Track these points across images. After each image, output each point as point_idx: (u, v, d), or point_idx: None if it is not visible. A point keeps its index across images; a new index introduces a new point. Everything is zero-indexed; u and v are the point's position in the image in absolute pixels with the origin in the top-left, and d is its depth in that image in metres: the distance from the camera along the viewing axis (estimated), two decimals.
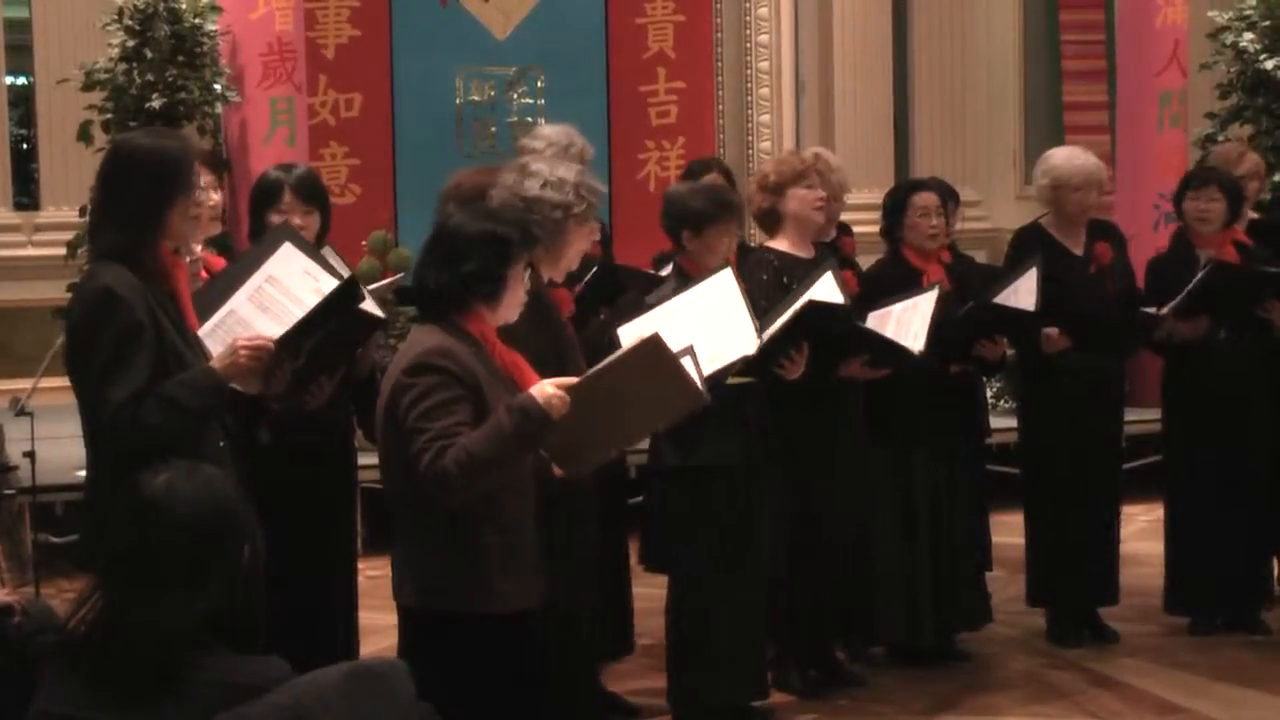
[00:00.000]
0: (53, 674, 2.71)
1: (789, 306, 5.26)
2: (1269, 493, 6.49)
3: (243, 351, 3.83)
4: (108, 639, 2.66)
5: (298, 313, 4.01)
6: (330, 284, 4.03)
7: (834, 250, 6.16)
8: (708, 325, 4.83)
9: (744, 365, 5.11)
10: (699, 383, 3.88)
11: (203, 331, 4.00)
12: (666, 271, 5.57)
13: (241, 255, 4.59)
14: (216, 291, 4.16)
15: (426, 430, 3.60)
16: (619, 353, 3.76)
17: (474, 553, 3.70)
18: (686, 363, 3.84)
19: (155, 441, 3.65)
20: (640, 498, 6.46)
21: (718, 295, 4.98)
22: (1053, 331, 6.13)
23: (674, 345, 3.81)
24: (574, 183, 4.35)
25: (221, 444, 3.90)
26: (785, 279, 5.61)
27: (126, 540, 2.70)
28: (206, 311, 4.06)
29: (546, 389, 3.62)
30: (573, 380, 3.68)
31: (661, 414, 3.95)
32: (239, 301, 4.06)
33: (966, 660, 6.21)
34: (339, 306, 4.09)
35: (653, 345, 3.72)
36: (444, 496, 3.62)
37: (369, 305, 4.42)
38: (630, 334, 4.62)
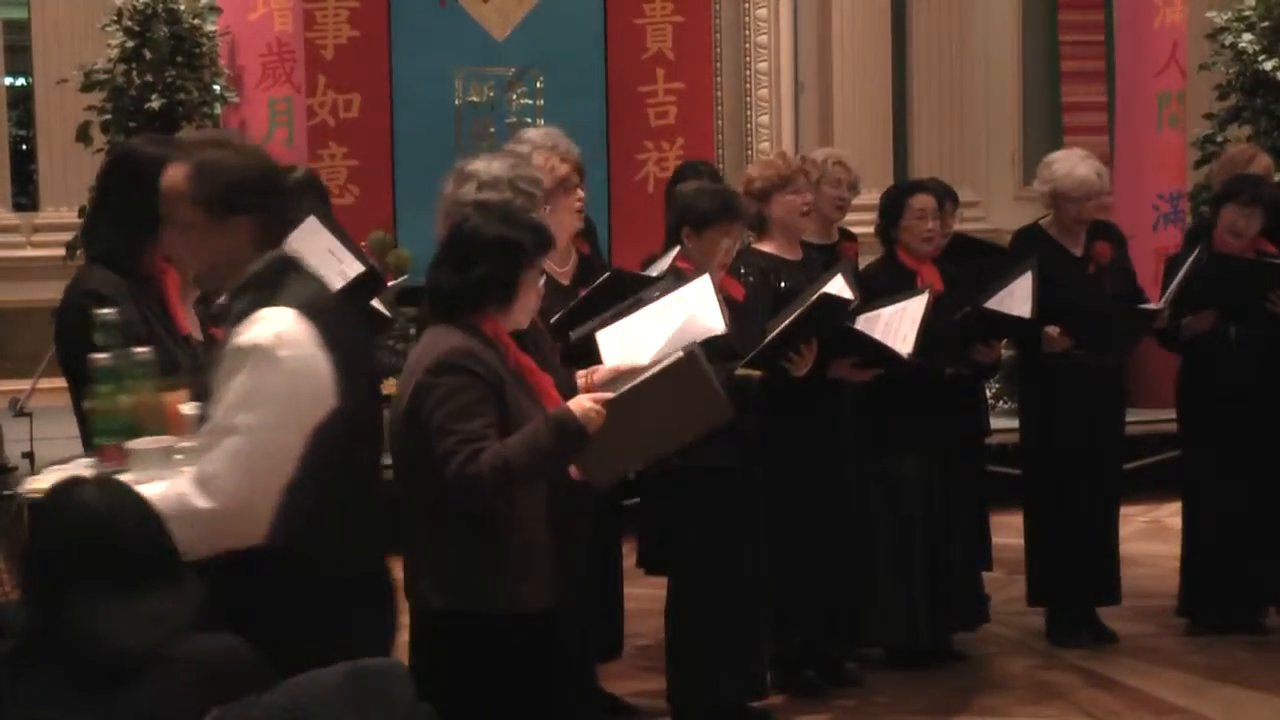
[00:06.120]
0: (11, 680, 2.74)
1: (802, 303, 5.27)
2: None
3: None
4: (52, 642, 2.72)
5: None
6: (355, 267, 3.98)
7: (836, 256, 6.16)
8: (682, 330, 4.81)
9: (752, 358, 5.11)
10: (722, 393, 3.87)
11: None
12: (656, 270, 5.52)
13: None
14: None
15: (455, 432, 3.60)
16: (657, 368, 3.75)
17: (495, 553, 3.70)
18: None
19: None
20: (636, 499, 6.46)
21: (694, 301, 4.94)
22: (1053, 330, 6.13)
23: (652, 348, 3.78)
24: (508, 178, 4.34)
25: None
26: (773, 280, 5.62)
27: (50, 547, 2.79)
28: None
29: (584, 403, 3.64)
30: (609, 395, 3.69)
31: (688, 428, 3.90)
32: None
33: (964, 660, 6.21)
34: (358, 294, 4.05)
35: (691, 362, 3.71)
36: (475, 500, 3.63)
37: (377, 305, 4.40)
38: (609, 337, 4.61)
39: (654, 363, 3.91)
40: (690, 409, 3.80)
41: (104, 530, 2.77)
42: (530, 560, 3.73)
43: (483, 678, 3.69)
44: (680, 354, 3.75)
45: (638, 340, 4.61)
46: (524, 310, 3.84)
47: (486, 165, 4.39)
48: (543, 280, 3.91)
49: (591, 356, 4.46)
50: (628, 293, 4.95)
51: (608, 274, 5.23)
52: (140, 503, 2.85)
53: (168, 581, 2.80)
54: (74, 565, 2.75)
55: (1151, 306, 6.37)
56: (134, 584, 2.74)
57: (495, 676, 3.70)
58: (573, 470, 3.80)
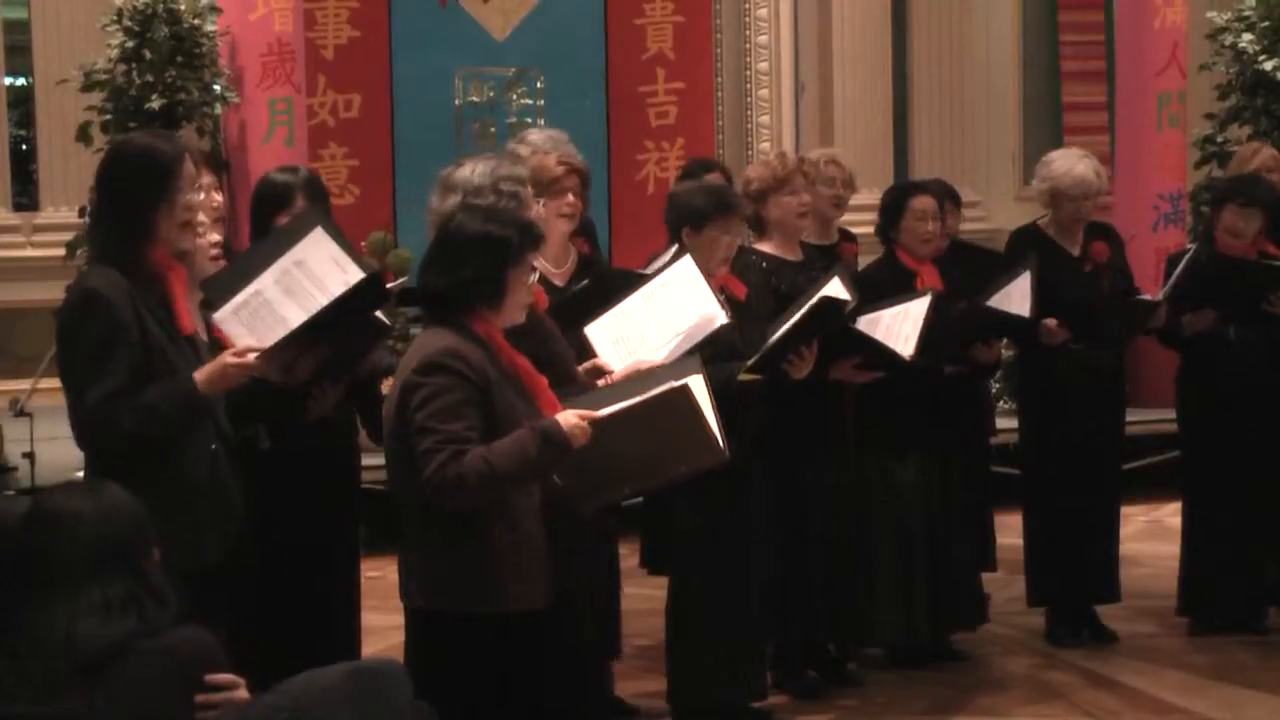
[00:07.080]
0: None
1: (801, 306, 5.27)
2: None
3: (230, 368, 3.81)
4: (16, 643, 2.76)
5: (324, 301, 3.93)
6: (358, 276, 3.98)
7: (835, 256, 6.16)
8: (674, 313, 4.79)
9: (753, 363, 5.11)
10: (720, 437, 3.86)
11: (226, 310, 3.93)
12: (653, 268, 5.52)
13: (269, 235, 4.45)
14: (240, 270, 4.06)
15: (437, 432, 3.60)
16: (647, 394, 3.74)
17: (486, 552, 3.70)
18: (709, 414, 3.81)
19: (126, 445, 3.67)
20: (639, 499, 6.46)
21: (680, 283, 4.92)
22: (1051, 323, 6.12)
23: (646, 337, 3.75)
24: (490, 184, 4.31)
25: (214, 447, 3.89)
26: (773, 280, 5.62)
27: (17, 548, 2.84)
28: (229, 289, 3.97)
29: (571, 418, 3.64)
30: (596, 413, 3.68)
31: (680, 463, 3.91)
32: (265, 283, 3.95)
33: (964, 660, 6.21)
34: (360, 302, 4.05)
35: (680, 394, 3.70)
36: (453, 501, 3.63)
37: (376, 311, 4.38)
38: (597, 331, 4.60)
39: (653, 379, 3.90)
40: (681, 443, 3.79)
41: (41, 533, 2.82)
42: (524, 560, 3.73)
43: (476, 677, 3.69)
44: (674, 384, 3.74)
45: (630, 331, 4.60)
46: (516, 307, 3.84)
47: (468, 175, 4.34)
48: (535, 277, 3.90)
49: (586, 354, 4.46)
50: (617, 289, 4.96)
51: (585, 280, 5.20)
52: (100, 503, 2.89)
53: (123, 578, 2.82)
54: (16, 570, 2.79)
55: (1148, 298, 6.38)
56: (81, 582, 2.78)
57: (488, 676, 3.69)
58: (557, 482, 3.79)
